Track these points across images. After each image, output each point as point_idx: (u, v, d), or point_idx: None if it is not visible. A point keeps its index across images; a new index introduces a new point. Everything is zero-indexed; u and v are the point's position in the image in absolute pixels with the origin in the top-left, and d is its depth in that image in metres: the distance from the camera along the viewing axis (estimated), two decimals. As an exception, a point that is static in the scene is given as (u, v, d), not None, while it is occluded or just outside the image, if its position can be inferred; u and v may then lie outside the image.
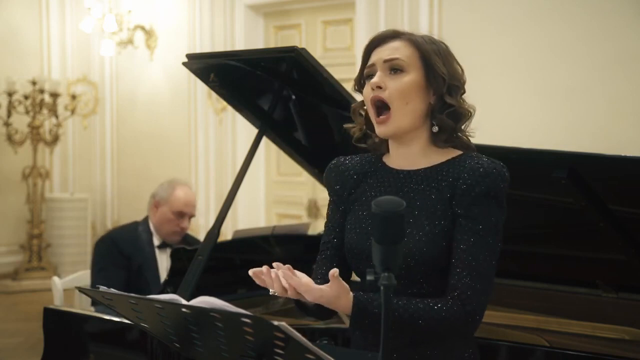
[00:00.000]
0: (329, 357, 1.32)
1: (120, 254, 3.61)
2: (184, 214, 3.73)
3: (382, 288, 1.30)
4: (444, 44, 1.81)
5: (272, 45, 6.76)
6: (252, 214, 7.03)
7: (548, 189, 2.46)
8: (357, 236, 1.77)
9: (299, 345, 1.30)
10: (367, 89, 1.78)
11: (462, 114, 1.77)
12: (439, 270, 1.68)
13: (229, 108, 5.48)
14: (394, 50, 1.76)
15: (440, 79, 1.74)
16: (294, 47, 2.49)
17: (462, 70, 1.80)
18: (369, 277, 1.34)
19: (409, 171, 1.78)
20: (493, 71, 5.43)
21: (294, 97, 2.85)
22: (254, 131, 2.93)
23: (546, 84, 5.20)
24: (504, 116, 5.36)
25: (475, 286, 1.65)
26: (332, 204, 1.88)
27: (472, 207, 1.68)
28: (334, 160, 1.91)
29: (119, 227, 3.99)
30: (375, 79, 1.76)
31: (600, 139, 4.85)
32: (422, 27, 5.50)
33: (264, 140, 3.05)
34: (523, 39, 5.29)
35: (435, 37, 1.82)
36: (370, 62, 1.79)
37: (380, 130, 1.76)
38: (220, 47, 6.99)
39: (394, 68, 1.75)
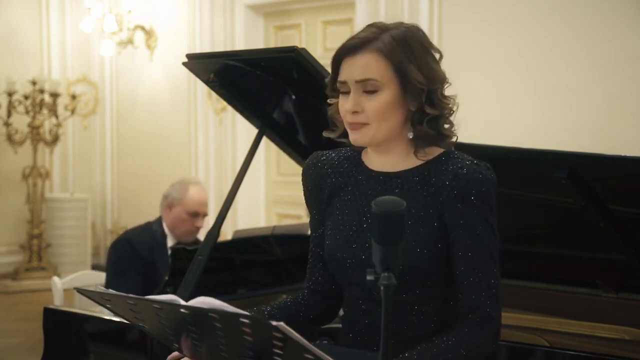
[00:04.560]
0: (328, 357, 1.31)
1: (137, 257, 3.59)
2: (198, 213, 3.73)
3: (382, 288, 1.29)
4: (415, 28, 1.70)
5: (272, 45, 6.76)
6: (252, 214, 7.03)
7: (548, 189, 2.45)
8: (337, 244, 1.71)
9: (297, 345, 1.29)
10: (341, 108, 1.68)
11: (444, 117, 1.68)
12: (422, 280, 1.63)
13: (229, 108, 5.48)
14: (365, 69, 1.64)
15: (418, 89, 1.64)
16: (294, 47, 2.49)
17: (440, 55, 1.70)
18: (369, 277, 1.33)
19: (388, 174, 1.71)
20: (493, 71, 5.43)
21: (294, 97, 2.84)
22: (254, 131, 2.93)
23: (546, 84, 5.20)
24: (504, 116, 5.37)
25: (494, 303, 1.61)
26: (309, 207, 1.82)
27: (466, 218, 1.61)
28: (312, 156, 1.83)
29: (134, 228, 3.97)
30: (349, 106, 1.65)
31: (600, 139, 4.85)
32: (422, 27, 5.48)
33: (264, 140, 3.04)
34: (523, 39, 5.29)
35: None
36: (342, 78, 1.67)
37: (354, 137, 1.68)
38: (220, 47, 6.99)
39: (368, 89, 1.64)
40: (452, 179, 1.63)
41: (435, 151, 1.70)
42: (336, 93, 1.71)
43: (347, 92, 1.68)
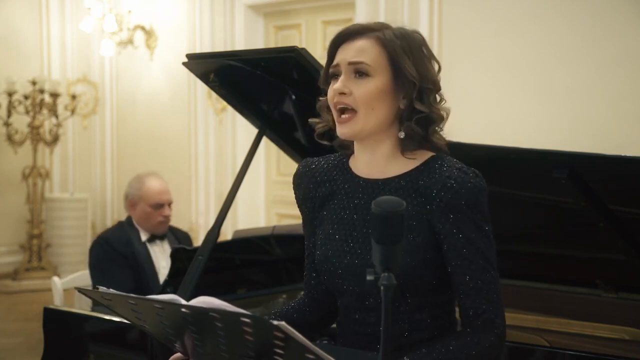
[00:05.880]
0: (329, 357, 1.31)
1: (118, 253, 3.61)
2: (161, 203, 3.74)
3: (382, 288, 1.29)
4: (418, 34, 1.69)
5: (272, 45, 6.76)
6: (252, 214, 7.03)
7: (548, 189, 2.45)
8: (328, 253, 1.70)
9: (298, 345, 1.29)
10: (330, 90, 1.67)
11: (433, 119, 1.66)
12: (413, 288, 1.62)
13: (229, 108, 5.48)
14: (360, 52, 1.63)
15: (410, 83, 1.63)
16: (294, 47, 2.49)
17: (438, 66, 1.69)
18: (369, 277, 1.32)
19: (376, 181, 1.68)
20: (493, 71, 5.43)
21: (294, 97, 2.84)
22: (254, 131, 2.93)
23: (546, 84, 5.20)
24: (504, 116, 5.36)
25: (496, 308, 1.60)
26: (302, 215, 1.81)
27: (458, 226, 1.59)
28: (302, 164, 1.81)
29: (108, 229, 4.01)
30: (338, 85, 1.64)
31: (600, 139, 4.85)
32: (422, 27, 5.50)
33: (264, 140, 3.04)
34: (523, 39, 5.29)
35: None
36: (335, 62, 1.66)
37: (341, 130, 1.65)
38: (220, 47, 6.99)
39: (359, 72, 1.63)
40: (440, 188, 1.61)
41: (424, 155, 1.68)
42: (328, 86, 1.69)
43: (338, 76, 1.66)
